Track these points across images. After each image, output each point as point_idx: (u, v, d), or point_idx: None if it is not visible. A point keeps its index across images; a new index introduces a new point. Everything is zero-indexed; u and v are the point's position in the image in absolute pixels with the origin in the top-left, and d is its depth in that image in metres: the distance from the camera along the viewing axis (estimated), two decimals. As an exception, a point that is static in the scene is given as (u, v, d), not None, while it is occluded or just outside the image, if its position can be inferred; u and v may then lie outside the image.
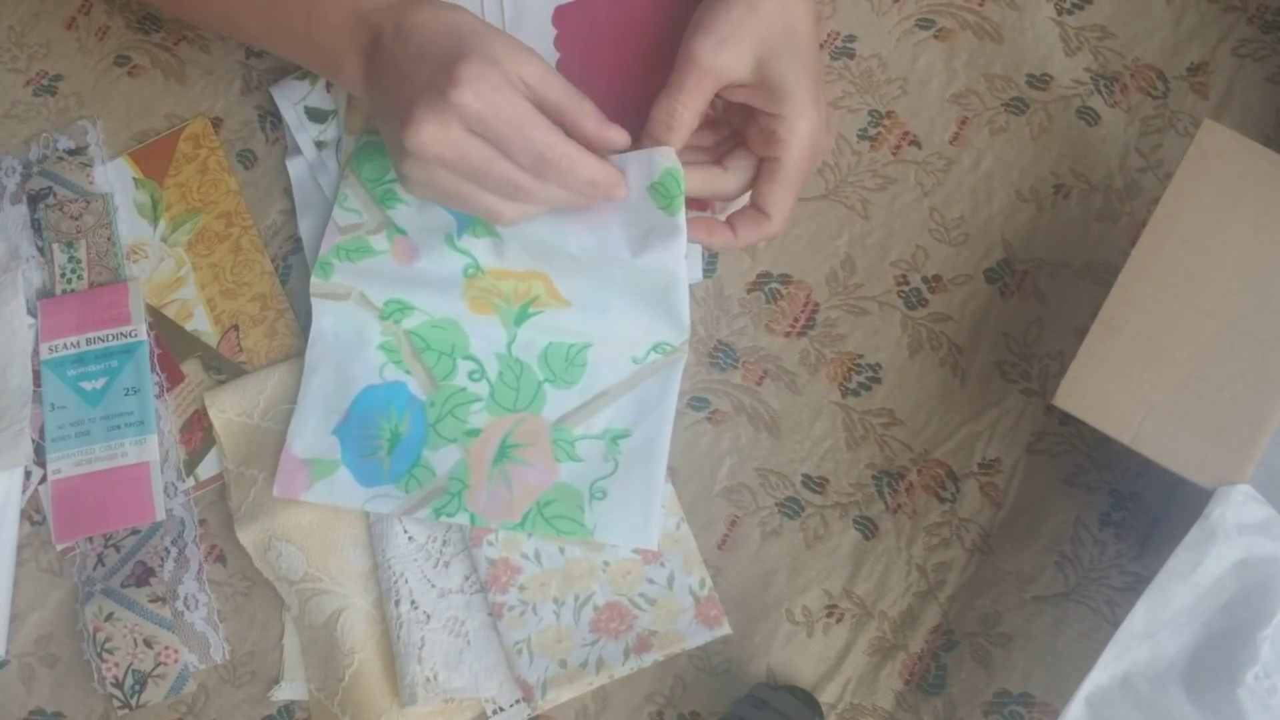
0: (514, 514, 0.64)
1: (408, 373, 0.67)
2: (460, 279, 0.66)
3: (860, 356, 0.68)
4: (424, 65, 0.55)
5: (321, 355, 0.68)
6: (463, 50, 0.54)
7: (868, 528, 0.66)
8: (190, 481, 0.69)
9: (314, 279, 0.68)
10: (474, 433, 0.65)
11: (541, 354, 0.66)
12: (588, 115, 0.58)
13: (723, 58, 0.58)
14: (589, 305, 0.65)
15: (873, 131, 0.72)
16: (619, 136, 0.58)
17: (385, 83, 0.58)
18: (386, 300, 0.67)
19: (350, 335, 0.67)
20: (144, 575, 0.66)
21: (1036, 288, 0.69)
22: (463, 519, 0.64)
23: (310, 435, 0.66)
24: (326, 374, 0.67)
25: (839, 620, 0.64)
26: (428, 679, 0.62)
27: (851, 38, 0.74)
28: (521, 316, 0.66)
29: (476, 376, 0.66)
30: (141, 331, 0.71)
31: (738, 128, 0.63)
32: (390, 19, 0.58)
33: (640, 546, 0.63)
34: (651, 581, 0.64)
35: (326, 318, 0.68)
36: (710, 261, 0.70)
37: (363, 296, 0.67)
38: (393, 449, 0.65)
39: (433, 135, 0.54)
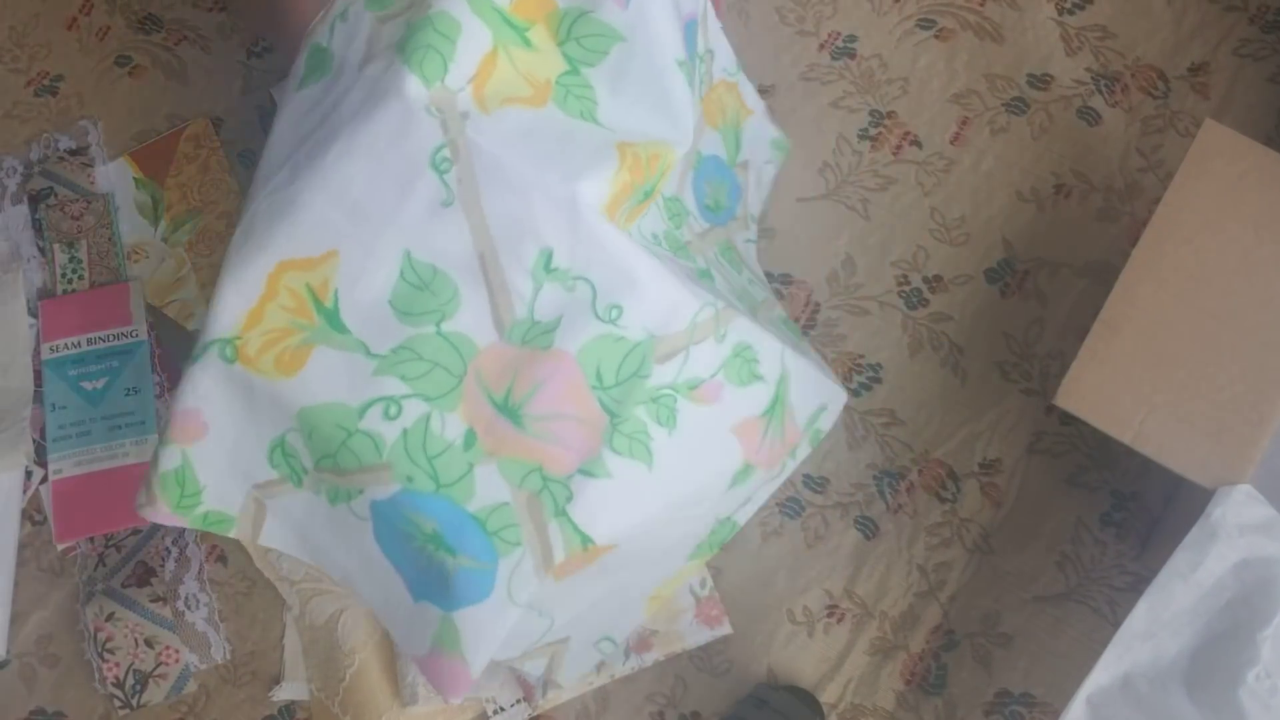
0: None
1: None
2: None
3: (861, 356, 0.68)
4: None
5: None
6: None
7: (868, 528, 0.66)
8: (191, 481, 0.69)
9: None
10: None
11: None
12: None
13: None
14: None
15: (873, 131, 0.72)
16: None
17: None
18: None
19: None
20: (145, 575, 0.66)
21: (1037, 288, 0.69)
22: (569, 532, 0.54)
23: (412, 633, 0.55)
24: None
25: (840, 620, 0.64)
26: (428, 679, 0.62)
27: (852, 38, 0.74)
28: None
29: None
30: (142, 332, 0.71)
31: None
32: None
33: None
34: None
35: None
36: (711, 261, 0.70)
37: None
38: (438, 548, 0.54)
39: None
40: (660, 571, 0.60)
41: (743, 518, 0.61)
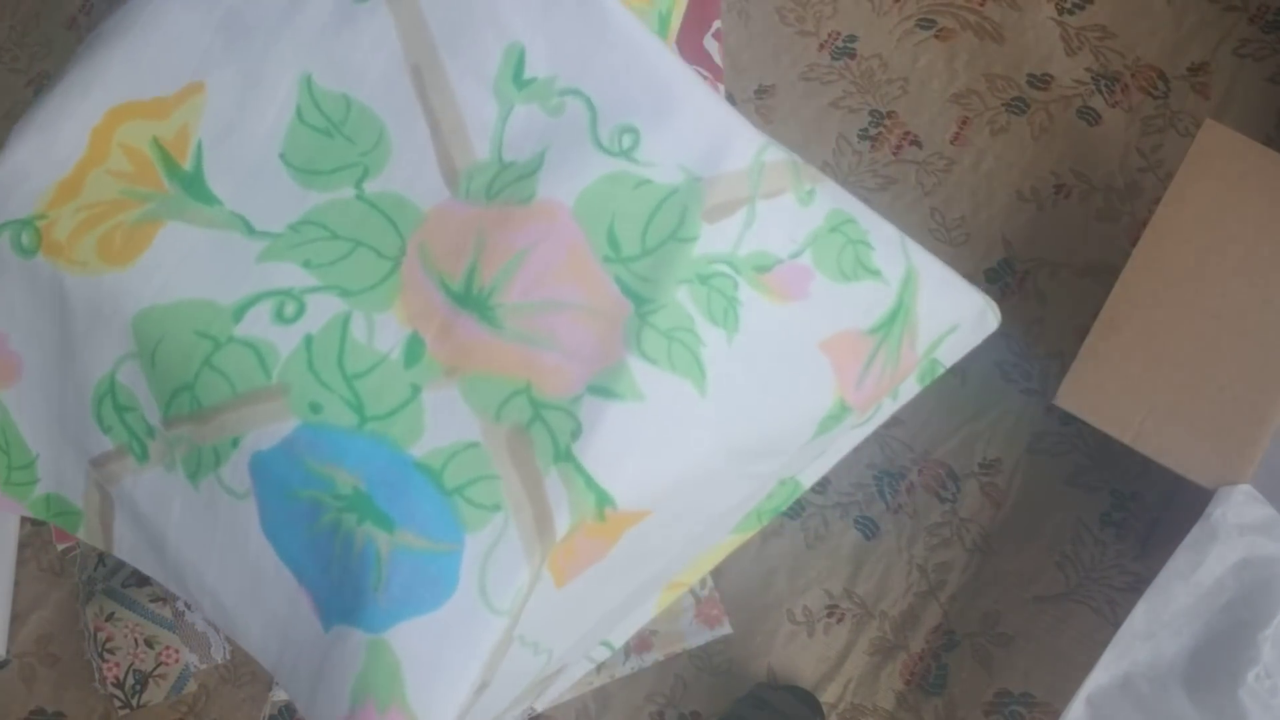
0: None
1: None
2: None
3: (861, 356, 0.68)
4: None
5: None
6: None
7: (868, 528, 0.66)
8: (191, 481, 0.69)
9: None
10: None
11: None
12: None
13: None
14: None
15: (873, 131, 0.72)
16: None
17: None
18: None
19: None
20: (145, 575, 0.66)
21: (1037, 288, 0.69)
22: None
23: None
24: None
25: (840, 620, 0.64)
26: (428, 679, 0.61)
27: (852, 38, 0.74)
28: None
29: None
30: (142, 331, 0.71)
31: None
32: None
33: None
34: (652, 582, 0.62)
35: None
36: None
37: None
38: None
39: None
40: (693, 549, 0.42)
41: (808, 479, 0.44)
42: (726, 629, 0.63)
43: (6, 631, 0.67)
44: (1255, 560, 0.51)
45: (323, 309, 0.34)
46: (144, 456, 0.38)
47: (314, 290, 0.34)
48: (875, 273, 0.39)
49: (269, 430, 0.34)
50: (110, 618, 0.65)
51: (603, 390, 0.33)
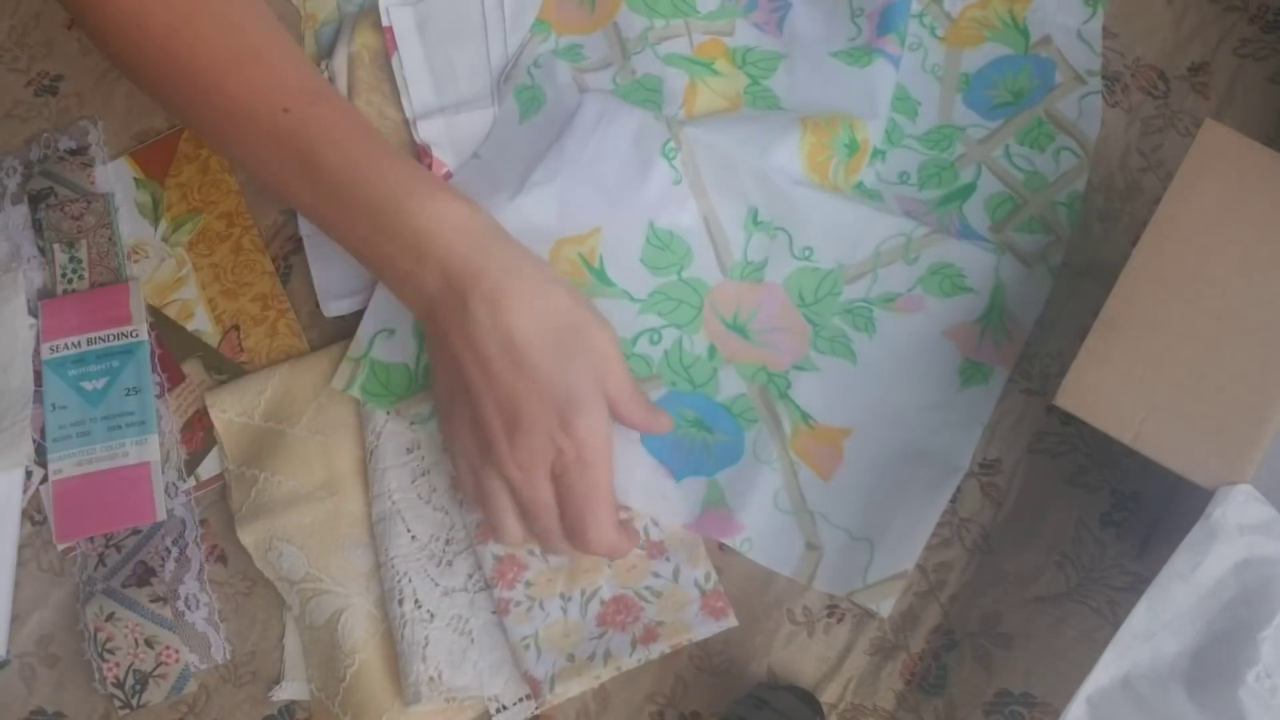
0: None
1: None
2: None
3: (861, 356, 0.68)
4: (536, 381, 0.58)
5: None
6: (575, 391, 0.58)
7: (868, 528, 0.65)
8: (191, 481, 0.69)
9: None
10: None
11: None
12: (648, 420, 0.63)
13: None
14: None
15: (873, 131, 0.72)
16: (664, 423, 0.64)
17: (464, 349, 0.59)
18: None
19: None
20: (145, 575, 0.66)
21: (1037, 288, 0.68)
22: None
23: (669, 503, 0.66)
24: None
25: (840, 620, 0.64)
26: (432, 678, 0.62)
27: (852, 38, 0.74)
28: None
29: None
30: (142, 331, 0.71)
31: None
32: (476, 288, 0.58)
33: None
34: (657, 575, 0.64)
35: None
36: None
37: None
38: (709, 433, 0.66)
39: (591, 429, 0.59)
40: (932, 474, 0.65)
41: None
42: (732, 621, 0.63)
43: (6, 631, 0.67)
44: (1255, 560, 0.51)
45: (669, 336, 0.67)
46: None
47: (664, 326, 0.67)
48: (969, 289, 0.66)
49: (654, 393, 0.66)
50: (110, 618, 0.65)
51: (799, 367, 0.66)
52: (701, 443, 0.65)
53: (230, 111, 0.61)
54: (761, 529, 0.64)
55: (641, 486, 0.65)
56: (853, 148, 0.68)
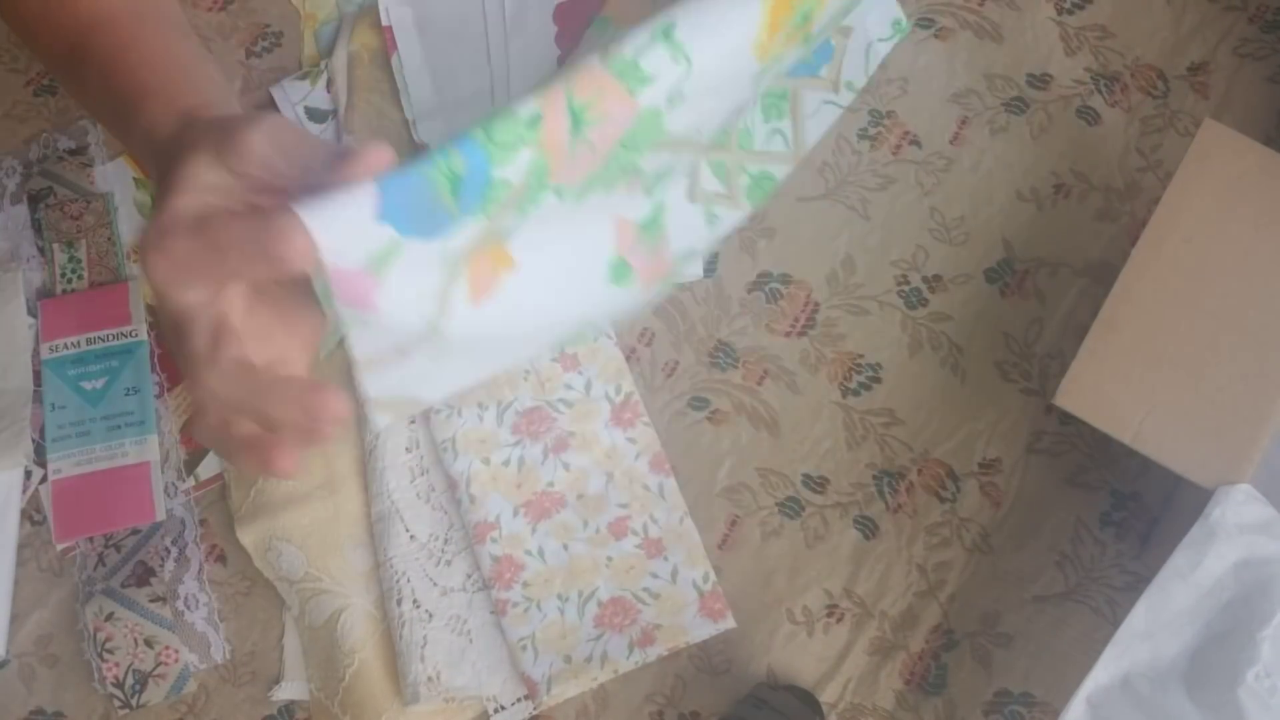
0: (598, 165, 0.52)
1: None
2: None
3: (860, 356, 0.68)
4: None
5: None
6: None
7: (868, 527, 0.66)
8: (190, 481, 0.69)
9: None
10: (535, 121, 0.49)
11: None
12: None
13: None
14: None
15: (873, 131, 0.72)
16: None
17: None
18: None
19: None
20: (144, 575, 0.66)
21: (1036, 288, 0.69)
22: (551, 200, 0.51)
23: (350, 238, 0.44)
24: None
25: (839, 620, 0.64)
26: (430, 678, 0.62)
27: (852, 37, 0.74)
28: None
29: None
30: (142, 331, 0.71)
31: None
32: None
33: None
34: (655, 576, 0.64)
35: None
36: (710, 261, 0.70)
37: None
38: (456, 190, 0.47)
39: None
40: None
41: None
42: (730, 623, 0.63)
43: (6, 631, 0.67)
44: (1255, 560, 0.51)
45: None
46: None
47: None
48: (645, 193, 0.55)
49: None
50: (110, 618, 0.65)
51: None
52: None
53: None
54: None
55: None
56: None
